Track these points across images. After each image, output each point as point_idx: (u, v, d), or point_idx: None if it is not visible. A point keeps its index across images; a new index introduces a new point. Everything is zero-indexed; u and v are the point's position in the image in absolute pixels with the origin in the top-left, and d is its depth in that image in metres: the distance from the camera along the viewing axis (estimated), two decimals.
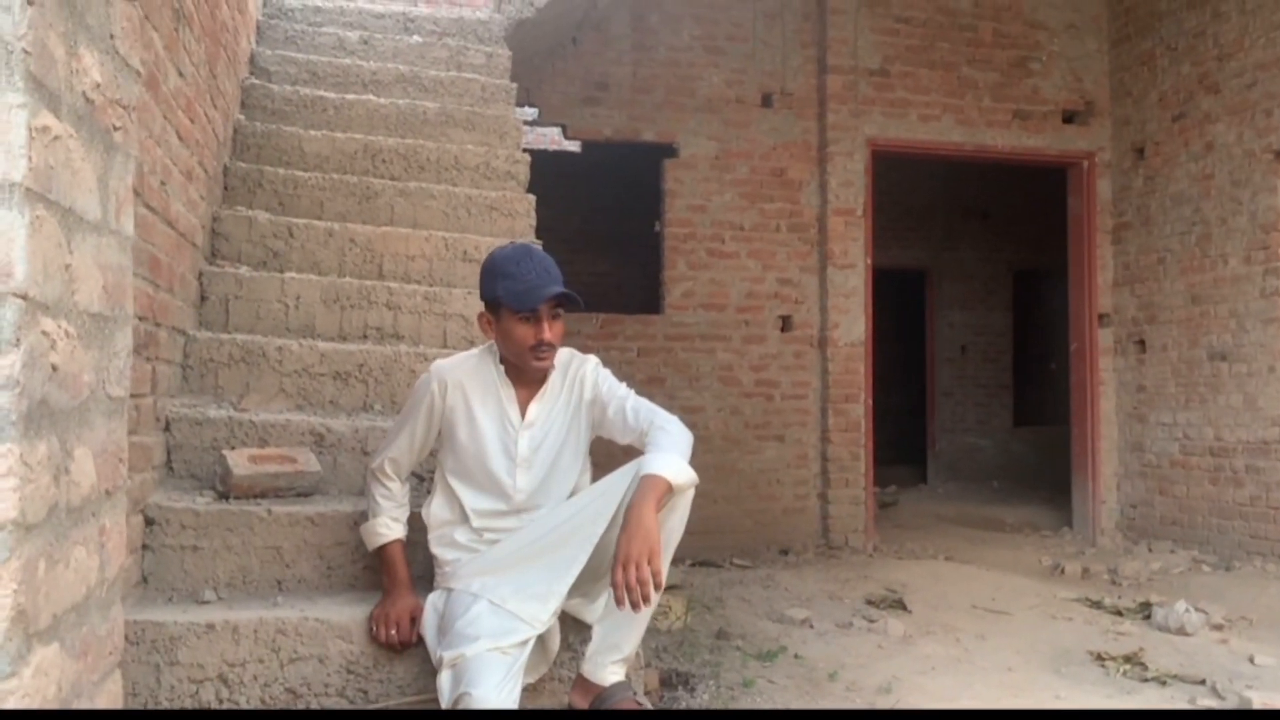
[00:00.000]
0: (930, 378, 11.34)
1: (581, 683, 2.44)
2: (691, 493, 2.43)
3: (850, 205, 6.98)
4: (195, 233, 3.28)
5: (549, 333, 2.48)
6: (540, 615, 2.34)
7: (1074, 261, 7.59)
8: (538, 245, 3.87)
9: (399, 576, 2.53)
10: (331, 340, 3.42)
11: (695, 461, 6.77)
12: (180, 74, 2.99)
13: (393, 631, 2.45)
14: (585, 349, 6.49)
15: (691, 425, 6.65)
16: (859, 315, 6.95)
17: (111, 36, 1.11)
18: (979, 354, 11.20)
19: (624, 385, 2.64)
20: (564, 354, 2.61)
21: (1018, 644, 4.48)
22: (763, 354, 6.87)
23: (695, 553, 6.36)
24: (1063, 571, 6.30)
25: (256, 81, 4.51)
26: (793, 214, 6.99)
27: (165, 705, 2.36)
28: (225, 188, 3.91)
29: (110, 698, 1.13)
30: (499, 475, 2.53)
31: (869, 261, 7.01)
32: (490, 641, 2.23)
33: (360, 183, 4.01)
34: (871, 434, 6.94)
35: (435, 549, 2.54)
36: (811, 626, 4.71)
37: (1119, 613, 5.14)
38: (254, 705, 2.41)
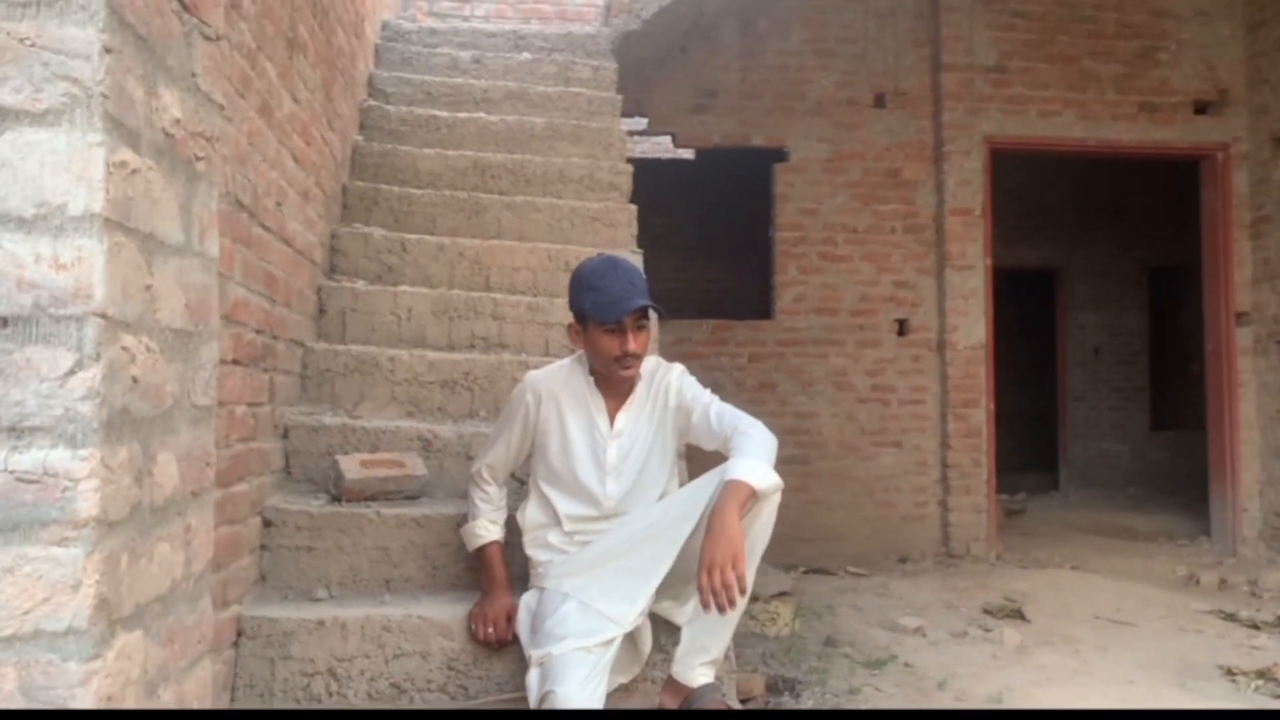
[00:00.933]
0: (1061, 381, 10.97)
1: (671, 684, 2.48)
2: (778, 498, 2.44)
3: (968, 205, 6.84)
4: (313, 250, 3.46)
5: (633, 343, 2.54)
6: (627, 615, 2.39)
7: (1209, 258, 7.25)
8: (639, 255, 3.96)
9: (496, 577, 2.63)
10: (440, 350, 3.55)
11: (809, 469, 6.76)
12: (295, 100, 3.16)
13: (489, 630, 2.54)
14: (696, 356, 6.61)
15: (804, 432, 6.68)
16: (979, 317, 6.80)
17: (193, 75, 1.21)
18: (1113, 356, 10.79)
19: (708, 391, 2.68)
20: (650, 363, 2.66)
21: (1141, 657, 4.32)
22: (878, 358, 6.79)
23: (809, 560, 6.33)
24: (1198, 582, 6.03)
25: (374, 103, 4.71)
26: (908, 215, 6.88)
27: (279, 697, 2.51)
28: (344, 206, 4.10)
29: (199, 684, 1.23)
30: (589, 483, 2.60)
31: (989, 262, 6.85)
32: (576, 641, 2.29)
33: (470, 198, 4.15)
34: (993, 440, 6.78)
35: (530, 550, 2.62)
36: (924, 635, 4.64)
37: (1255, 626, 4.89)
38: (361, 699, 2.54)
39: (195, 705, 1.21)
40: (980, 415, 6.74)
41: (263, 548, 2.78)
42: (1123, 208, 10.54)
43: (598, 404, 2.62)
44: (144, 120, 1.06)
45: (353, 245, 3.82)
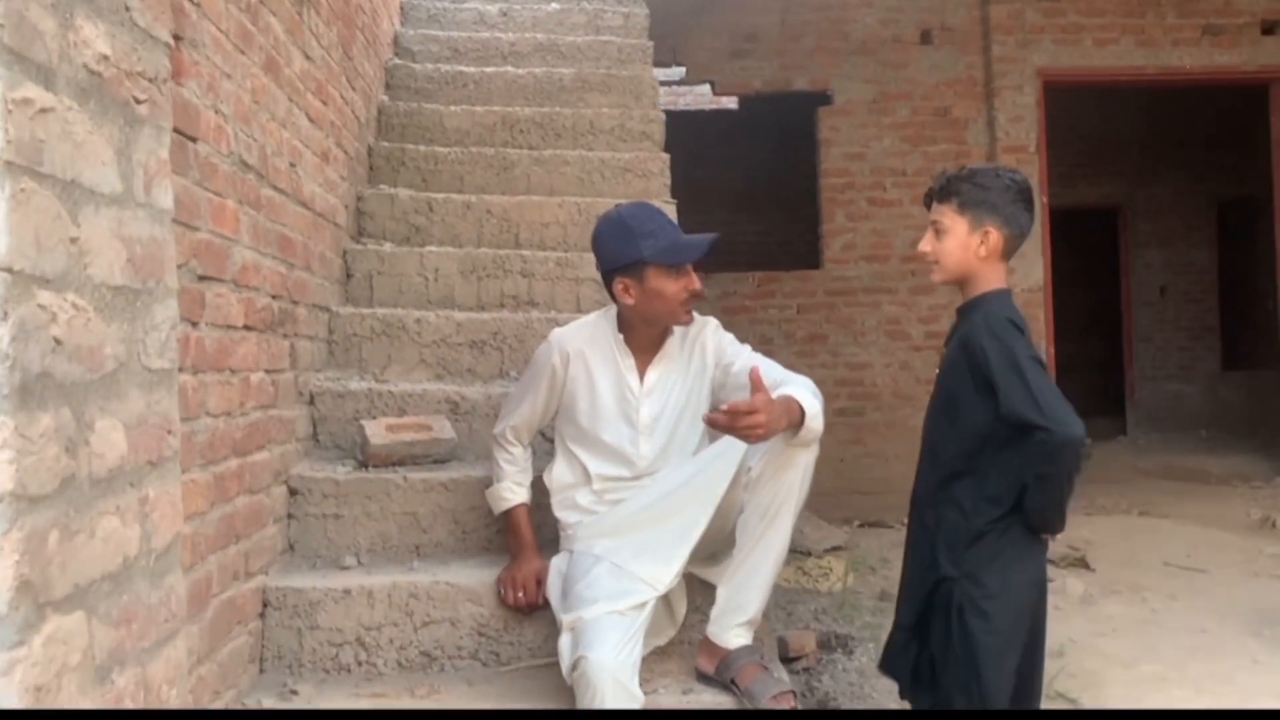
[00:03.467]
0: (1127, 323, 10.61)
1: (707, 645, 2.38)
2: (814, 456, 2.33)
3: (1022, 142, 6.57)
4: (336, 212, 3.38)
5: (699, 282, 2.45)
6: (662, 577, 2.30)
7: (1279, 188, 6.91)
8: (672, 205, 3.83)
9: (524, 539, 2.55)
10: (470, 310, 3.46)
11: (863, 420, 6.58)
12: (307, 57, 3.06)
13: (519, 594, 2.46)
14: (742, 310, 6.47)
15: (857, 383, 6.51)
16: (1036, 259, 6.55)
17: (126, 8, 1.11)
18: (1180, 295, 10.40)
19: (746, 346, 2.55)
20: None
21: (1212, 604, 4.14)
22: (932, 305, 6.59)
23: (864, 513, 6.19)
24: (1274, 525, 5.78)
25: (399, 61, 4.62)
26: (959, 155, 6.63)
27: (308, 667, 2.46)
28: (370, 168, 4.02)
29: (168, 665, 1.15)
30: (622, 443, 2.49)
31: (1045, 200, 6.58)
32: (608, 604, 2.20)
33: (498, 154, 4.04)
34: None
35: (558, 512, 2.53)
36: None
37: None
38: (391, 667, 2.48)
39: (165, 687, 1.14)
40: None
41: (290, 516, 2.73)
42: (1188, 139, 10.09)
43: (627, 361, 2.51)
44: (57, 55, 0.97)
45: (379, 207, 3.74)
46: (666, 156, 4.11)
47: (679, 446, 2.53)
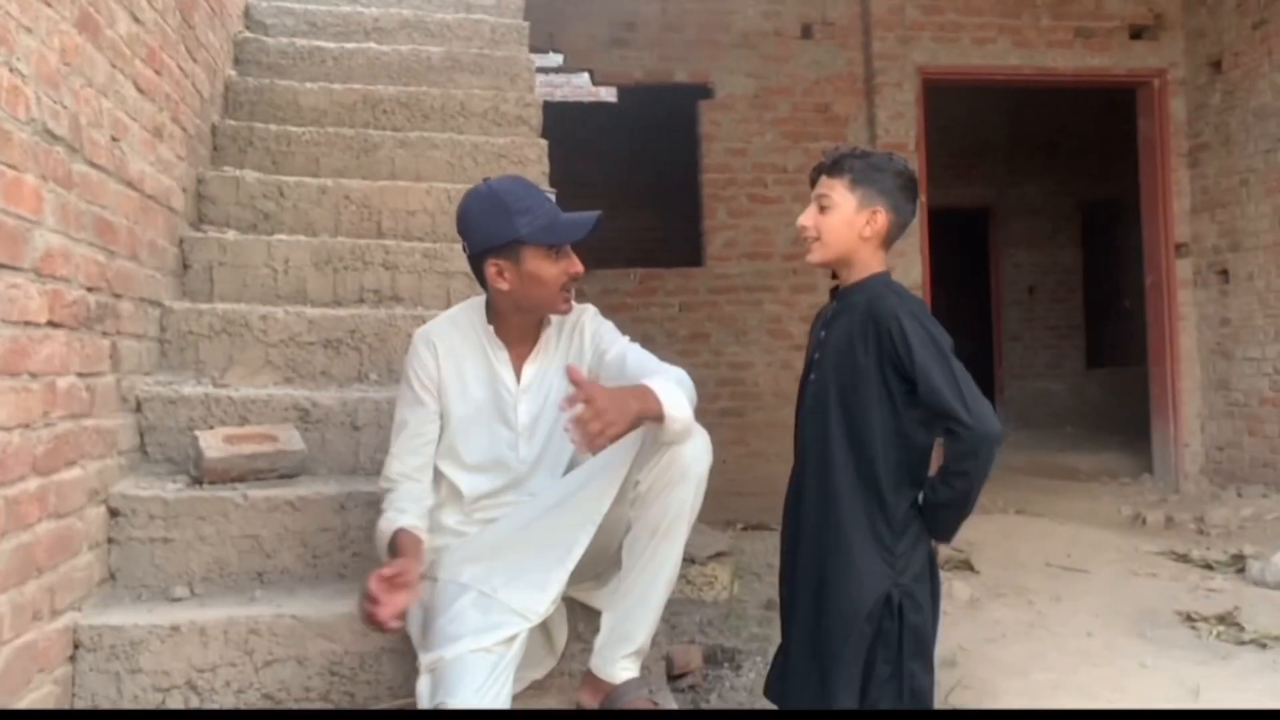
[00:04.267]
0: (996, 322, 10.82)
1: (590, 679, 2.15)
2: (706, 466, 2.12)
3: (901, 140, 6.53)
4: (170, 195, 3.02)
5: (578, 264, 2.20)
6: (536, 606, 2.04)
7: (1147, 189, 7.06)
8: (552, 194, 3.57)
9: (403, 554, 2.06)
10: (325, 306, 3.14)
11: (745, 420, 6.41)
12: (136, 20, 2.70)
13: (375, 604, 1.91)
14: (624, 308, 6.24)
15: (739, 383, 6.35)
16: (915, 258, 6.53)
17: None
18: (1047, 294, 10.65)
19: (626, 337, 2.32)
20: None
21: (1097, 605, 4.11)
22: (813, 304, 6.47)
23: (747, 515, 6.04)
24: (1144, 522, 5.87)
25: (251, 35, 4.23)
26: None
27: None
28: (214, 148, 3.64)
29: None
30: (499, 448, 2.23)
31: (923, 199, 6.55)
32: (473, 640, 1.94)
33: (358, 135, 3.72)
34: None
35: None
36: None
37: (1209, 566, 4.72)
38: None
39: None
40: None
41: (111, 541, 2.37)
42: (1056, 143, 10.34)
43: (500, 355, 2.25)
44: None
45: (222, 191, 3.38)
46: (544, 143, 3.85)
47: (561, 448, 2.28)
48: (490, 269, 2.15)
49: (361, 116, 3.92)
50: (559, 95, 9.29)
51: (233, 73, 4.00)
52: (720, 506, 6.18)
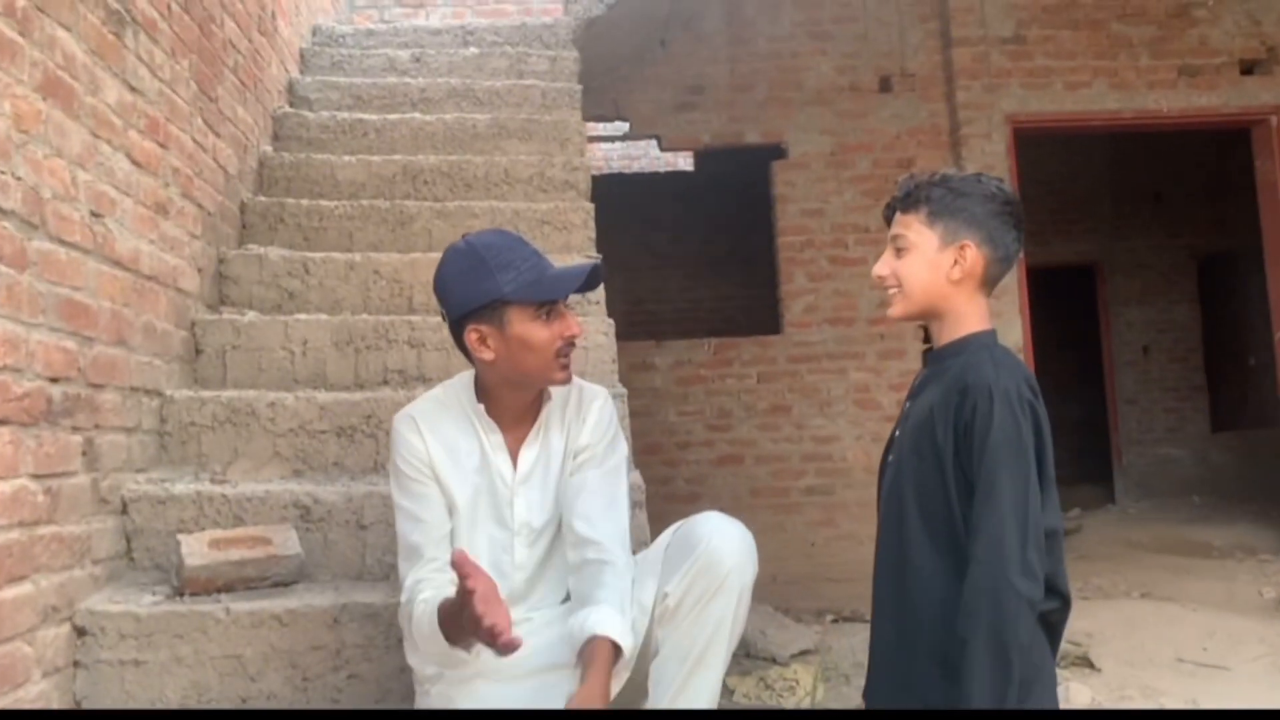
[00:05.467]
0: (1109, 384, 10.11)
1: None
2: (750, 574, 1.78)
3: None
4: (178, 275, 2.80)
5: (576, 325, 1.87)
6: None
7: (1269, 236, 6.44)
8: (597, 260, 3.28)
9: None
10: (346, 389, 2.87)
11: (833, 499, 5.93)
12: (132, 89, 2.51)
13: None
14: (698, 380, 5.87)
15: (825, 458, 5.89)
16: (1014, 318, 6.02)
17: None
18: (1164, 354, 9.92)
19: (621, 451, 1.97)
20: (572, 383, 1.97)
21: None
22: (904, 370, 6.03)
23: (839, 602, 5.55)
24: None
25: (292, 110, 4.08)
26: None
27: None
28: (243, 225, 3.46)
29: None
30: (493, 552, 1.90)
31: (1021, 255, 6.08)
32: None
33: (394, 207, 3.49)
34: None
35: (411, 658, 1.91)
36: None
37: None
38: None
39: None
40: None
41: (76, 664, 2.10)
42: (1164, 192, 9.71)
43: (493, 439, 1.92)
44: None
45: (245, 270, 3.17)
46: (590, 206, 3.57)
47: (563, 552, 1.93)
48: (471, 336, 1.85)
49: (401, 188, 3.71)
50: (635, 167, 9.10)
51: (269, 149, 3.84)
52: (808, 593, 5.74)
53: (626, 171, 9.09)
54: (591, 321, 2.94)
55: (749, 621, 4.60)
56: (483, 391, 1.92)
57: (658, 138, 6.22)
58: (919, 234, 1.74)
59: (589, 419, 1.94)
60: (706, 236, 8.90)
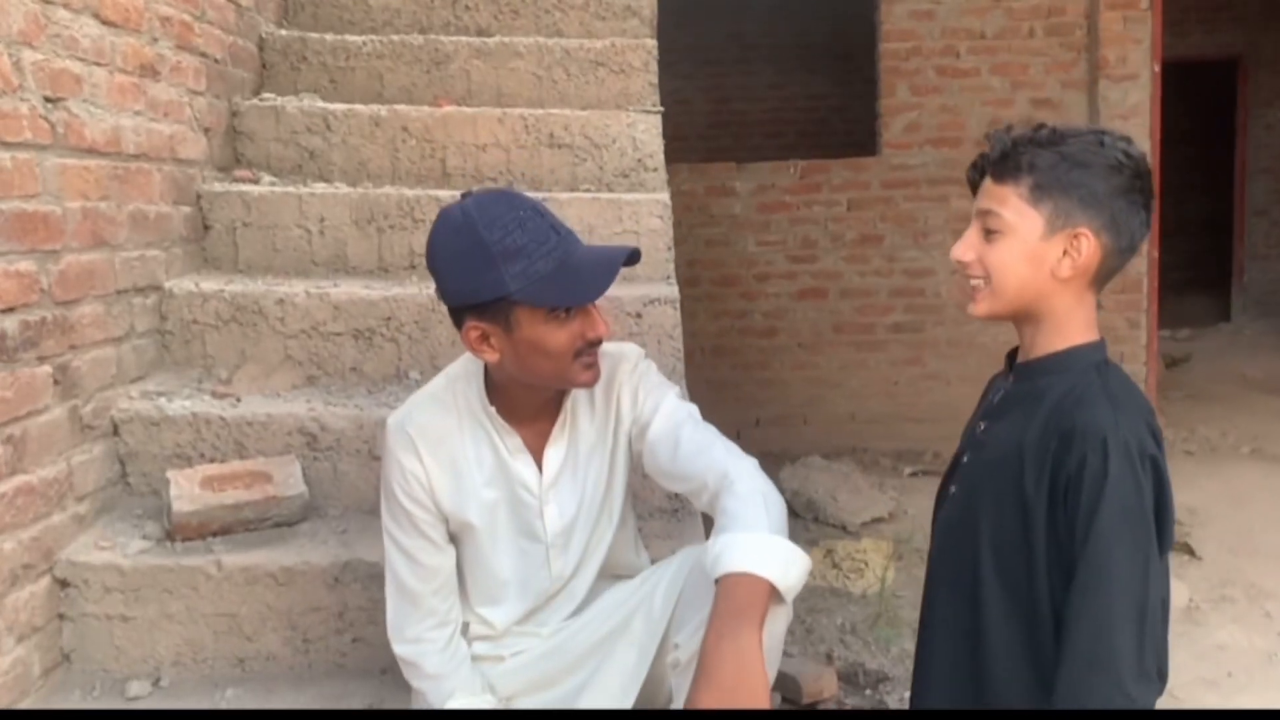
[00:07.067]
0: (1239, 190, 9.25)
1: None
2: (781, 625, 1.43)
3: None
4: (176, 144, 2.47)
5: (602, 324, 1.50)
6: None
7: None
8: (657, 115, 2.86)
9: None
10: (369, 274, 2.57)
11: (922, 337, 5.54)
12: None
13: None
14: (781, 207, 5.39)
15: (916, 293, 5.45)
16: (1143, 140, 5.34)
17: None
18: None
19: (674, 391, 1.62)
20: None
21: None
22: None
23: (920, 443, 5.29)
24: None
25: None
26: (1051, 11, 5.37)
27: None
28: (263, 65, 3.07)
29: None
30: (528, 568, 1.61)
31: (1157, 69, 5.34)
32: None
33: (428, 44, 3.05)
34: (1156, 295, 5.45)
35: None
36: None
37: None
38: None
39: None
40: (1140, 265, 5.39)
41: (62, 618, 1.93)
42: None
43: (511, 443, 1.59)
44: None
45: (260, 124, 2.81)
46: (653, 44, 3.08)
47: (602, 551, 1.65)
48: (470, 333, 1.50)
49: (440, 16, 3.26)
50: None
51: None
52: (888, 433, 5.46)
53: None
54: (642, 203, 2.54)
55: (818, 485, 4.33)
56: (493, 388, 1.58)
57: None
58: (1019, 214, 1.31)
59: (624, 391, 1.59)
60: (800, 28, 8.11)
